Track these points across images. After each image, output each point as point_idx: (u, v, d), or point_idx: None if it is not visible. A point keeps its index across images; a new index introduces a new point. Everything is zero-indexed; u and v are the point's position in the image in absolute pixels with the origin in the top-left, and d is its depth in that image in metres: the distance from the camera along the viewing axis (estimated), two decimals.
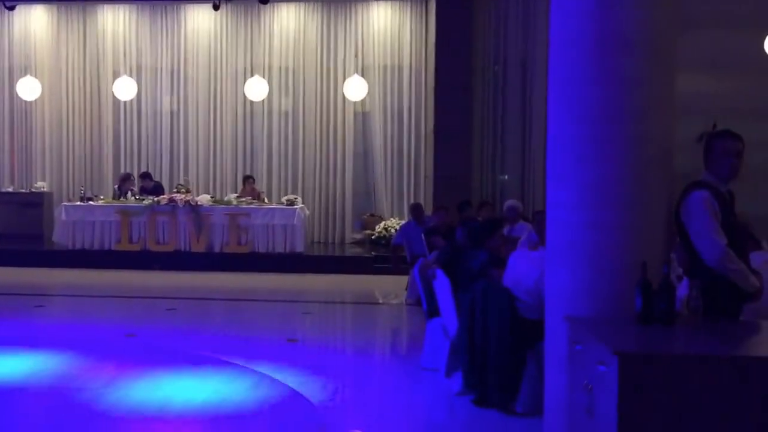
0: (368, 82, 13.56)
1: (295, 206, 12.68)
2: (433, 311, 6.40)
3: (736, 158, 3.92)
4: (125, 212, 12.54)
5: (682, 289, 4.16)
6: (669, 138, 4.11)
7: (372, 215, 14.12)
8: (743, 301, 3.91)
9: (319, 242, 14.30)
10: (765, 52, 9.41)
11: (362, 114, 14.50)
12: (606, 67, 4.01)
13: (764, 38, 9.39)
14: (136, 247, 12.50)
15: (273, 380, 6.00)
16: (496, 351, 5.27)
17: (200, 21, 14.53)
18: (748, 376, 3.10)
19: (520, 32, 11.94)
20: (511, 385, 5.18)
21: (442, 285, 5.93)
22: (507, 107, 12.36)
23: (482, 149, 12.92)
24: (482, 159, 12.93)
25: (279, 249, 12.42)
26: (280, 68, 14.43)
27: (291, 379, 6.01)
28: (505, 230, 7.35)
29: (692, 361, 3.19)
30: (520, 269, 5.43)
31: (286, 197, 13.14)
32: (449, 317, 5.88)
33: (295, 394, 5.63)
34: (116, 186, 13.55)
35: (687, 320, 3.72)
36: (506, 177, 12.48)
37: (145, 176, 13.64)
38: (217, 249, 12.47)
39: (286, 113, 14.50)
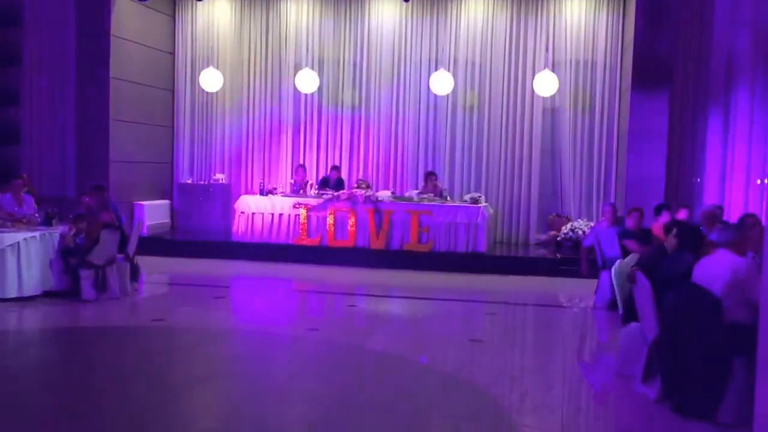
0: (558, 78, 13.74)
1: (479, 204, 13.05)
2: (630, 316, 6.61)
3: None
4: (304, 206, 13.43)
5: None
6: None
7: (558, 215, 14.28)
8: None
9: (502, 242, 14.61)
10: None
11: (551, 110, 14.68)
12: None
13: None
14: (314, 242, 13.35)
15: (459, 381, 6.46)
16: (700, 357, 5.45)
17: (385, 13, 15.19)
18: None
19: (727, 21, 11.74)
20: (716, 394, 5.34)
21: (643, 289, 6.13)
22: (708, 106, 12.20)
23: (679, 150, 12.78)
24: (678, 160, 12.79)
25: (461, 248, 12.83)
26: (467, 62, 14.83)
27: (478, 380, 6.43)
28: (713, 236, 7.38)
29: None
30: (714, 271, 5.60)
31: (469, 195, 13.50)
32: (649, 322, 6.08)
33: (483, 396, 6.05)
34: (292, 180, 14.51)
35: None
36: (698, 180, 12.32)
37: (335, 169, 14.49)
38: (396, 246, 13.06)
39: (471, 108, 14.88)
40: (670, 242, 6.61)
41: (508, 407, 5.75)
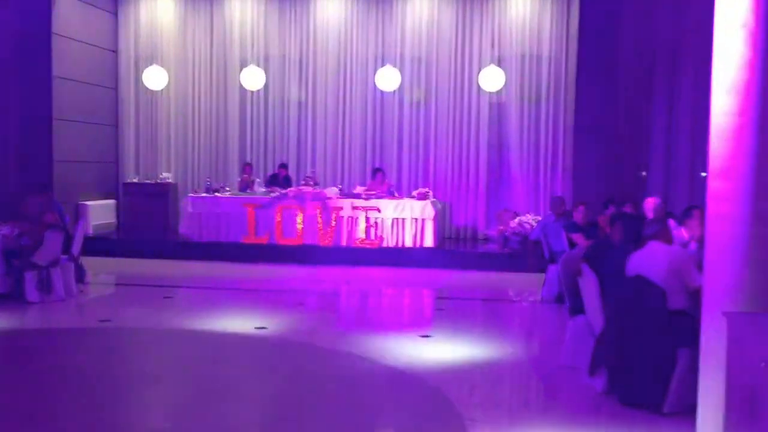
0: (505, 72, 13.81)
1: (427, 200, 13.08)
2: (576, 308, 6.65)
3: None
4: (251, 204, 13.29)
5: None
6: None
7: (506, 210, 14.35)
8: None
9: (451, 237, 14.66)
10: None
11: (498, 105, 14.74)
12: None
13: None
14: (262, 240, 13.23)
15: (409, 375, 6.43)
16: (645, 348, 5.50)
17: (331, 9, 15.10)
18: None
19: (670, 18, 11.91)
20: (661, 384, 5.40)
21: (589, 281, 6.17)
22: (653, 99, 12.38)
23: (624, 143, 12.94)
24: (624, 154, 12.95)
25: (410, 243, 12.87)
26: (413, 58, 14.83)
27: (426, 375, 6.41)
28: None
29: None
30: (649, 262, 5.67)
31: (417, 190, 13.53)
32: (594, 314, 6.12)
33: (432, 391, 6.04)
34: (239, 178, 14.37)
35: None
36: (644, 174, 12.50)
37: (282, 166, 14.38)
38: (345, 243, 13.03)
39: (418, 104, 14.88)
40: (615, 235, 6.66)
41: (456, 401, 5.73)
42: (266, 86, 14.99)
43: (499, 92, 14.40)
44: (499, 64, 14.08)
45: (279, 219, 13.12)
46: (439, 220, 13.71)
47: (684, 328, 5.30)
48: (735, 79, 4.34)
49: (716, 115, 4.48)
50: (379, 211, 12.92)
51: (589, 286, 6.16)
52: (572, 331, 6.69)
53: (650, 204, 9.10)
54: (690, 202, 9.70)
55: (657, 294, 5.52)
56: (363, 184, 14.26)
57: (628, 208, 9.63)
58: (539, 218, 12.65)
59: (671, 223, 7.67)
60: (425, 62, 14.86)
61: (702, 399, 4.62)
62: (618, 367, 5.74)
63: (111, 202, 15.30)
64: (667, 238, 5.97)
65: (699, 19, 11.34)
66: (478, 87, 14.24)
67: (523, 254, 11.78)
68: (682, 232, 7.55)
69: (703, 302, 4.58)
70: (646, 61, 12.62)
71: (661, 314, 5.48)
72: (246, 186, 14.00)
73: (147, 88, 15.12)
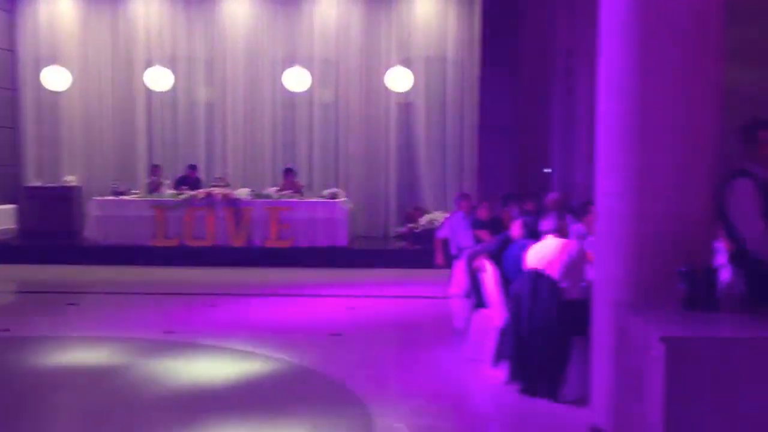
0: (412, 73, 13.99)
1: (338, 199, 13.16)
2: (479, 302, 6.84)
3: None
4: (160, 207, 13.11)
5: (726, 275, 4.54)
6: (716, 127, 4.50)
7: (417, 208, 14.56)
8: None
9: (363, 236, 14.77)
10: None
11: (405, 105, 14.93)
12: (655, 56, 4.41)
13: None
14: (172, 243, 13.08)
15: (316, 374, 6.51)
16: (542, 339, 5.71)
17: (238, 9, 15.03)
18: None
19: (566, 21, 12.30)
20: (558, 372, 5.61)
21: (490, 276, 6.36)
22: (552, 99, 12.77)
23: (528, 141, 13.31)
24: (527, 151, 13.32)
25: (321, 243, 12.92)
26: (322, 59, 14.89)
27: (335, 372, 6.49)
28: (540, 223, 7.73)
29: (737, 345, 3.55)
30: (547, 255, 5.90)
31: (328, 190, 13.61)
32: (496, 308, 6.31)
33: (339, 388, 6.13)
34: (147, 180, 14.17)
35: (730, 305, 4.11)
36: (550, 170, 12.88)
37: (191, 168, 14.22)
38: (257, 244, 12.98)
39: (328, 104, 14.97)
40: (515, 231, 6.87)
41: (364, 397, 5.83)
42: (174, 87, 14.79)
43: (407, 93, 14.59)
44: (406, 65, 14.27)
45: (189, 221, 12.99)
46: (350, 219, 13.80)
47: (578, 318, 5.52)
48: (619, 80, 4.56)
49: (603, 114, 4.70)
50: (290, 211, 12.93)
51: (490, 280, 6.34)
52: (476, 325, 6.87)
53: (551, 199, 9.38)
54: (588, 198, 10.04)
55: (551, 286, 5.73)
56: (274, 184, 14.22)
57: (529, 204, 9.88)
58: (447, 215, 12.86)
59: (569, 218, 7.94)
60: (334, 63, 14.95)
61: (594, 384, 4.84)
62: (519, 358, 5.94)
63: (10, 207, 14.81)
64: (563, 232, 6.20)
65: (593, 22, 11.75)
66: (387, 88, 14.39)
67: (432, 251, 11.96)
68: (579, 227, 7.82)
69: (594, 293, 4.79)
70: (546, 61, 12.99)
71: (556, 305, 5.70)
72: (154, 188, 13.80)
73: (48, 90, 14.71)
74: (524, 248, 6.61)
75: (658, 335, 3.57)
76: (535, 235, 6.68)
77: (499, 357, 6.27)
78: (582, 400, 5.34)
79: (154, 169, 14.22)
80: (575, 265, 5.83)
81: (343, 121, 14.89)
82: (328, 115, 14.97)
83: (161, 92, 14.87)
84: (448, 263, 10.40)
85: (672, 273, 4.13)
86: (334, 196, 13.26)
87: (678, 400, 3.49)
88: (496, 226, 9.63)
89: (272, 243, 12.93)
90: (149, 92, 14.95)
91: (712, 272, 4.07)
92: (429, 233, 13.38)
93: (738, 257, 4.32)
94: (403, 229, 14.39)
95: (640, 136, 4.45)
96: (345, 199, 13.53)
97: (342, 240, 12.98)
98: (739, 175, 4.31)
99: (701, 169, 4.44)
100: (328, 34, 14.89)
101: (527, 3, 13.19)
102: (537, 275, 5.88)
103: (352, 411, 5.60)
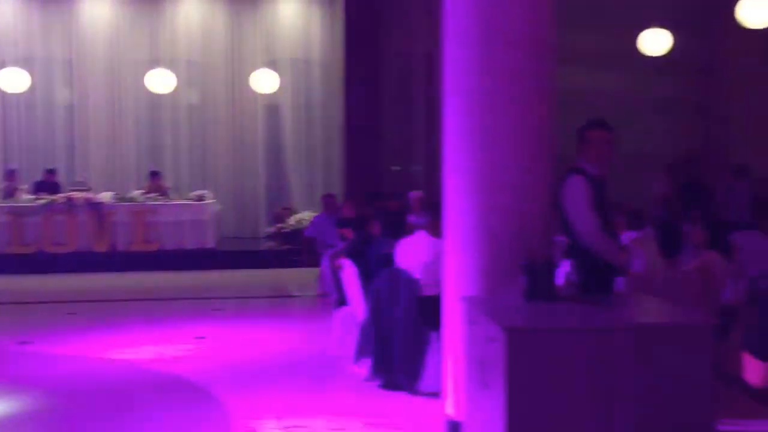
0: (279, 75, 13.95)
1: (205, 201, 13.00)
2: (341, 300, 6.93)
3: (607, 147, 4.59)
4: (16, 213, 12.59)
5: (565, 268, 4.79)
6: (551, 127, 4.74)
7: (285, 209, 14.55)
8: (615, 275, 4.58)
9: (232, 237, 14.62)
10: (639, 51, 10.60)
11: (272, 107, 14.88)
12: (490, 58, 4.60)
13: (638, 37, 10.59)
14: (30, 250, 12.57)
15: (179, 377, 6.44)
16: (401, 334, 5.85)
17: (97, 10, 14.58)
18: (620, 344, 3.69)
19: (425, 25, 12.60)
20: (416, 367, 5.76)
21: (350, 274, 6.46)
22: (414, 100, 13.07)
23: (392, 141, 13.56)
24: (392, 151, 13.57)
25: (189, 246, 12.74)
26: (187, 60, 14.65)
27: (198, 376, 6.44)
28: (412, 219, 7.91)
29: (570, 333, 3.76)
30: (413, 250, 6.06)
31: (195, 192, 13.41)
32: (357, 305, 6.42)
33: (202, 390, 6.08)
34: (3, 186, 13.56)
35: (567, 296, 4.34)
36: (399, 167, 13.21)
37: (50, 172, 13.70)
38: (121, 248, 12.66)
39: (194, 106, 14.75)
40: (375, 229, 7.00)
41: (225, 400, 5.81)
42: (31, 88, 14.19)
43: (274, 94, 14.53)
44: (272, 67, 14.22)
45: (48, 227, 12.53)
46: (219, 221, 13.66)
47: (435, 312, 5.68)
48: (461, 83, 4.73)
49: (448, 115, 4.86)
50: (155, 214, 12.68)
51: (350, 278, 6.44)
52: (338, 322, 6.96)
53: (414, 197, 9.60)
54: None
55: (410, 283, 5.87)
56: (139, 187, 13.91)
57: (392, 202, 10.05)
58: (315, 215, 12.94)
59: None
60: (200, 65, 14.73)
61: (447, 376, 5.00)
62: (379, 354, 6.05)
63: None
64: (435, 230, 6.32)
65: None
66: (253, 89, 14.30)
67: (301, 251, 12.03)
68: None
69: (444, 288, 4.95)
70: (406, 63, 13.27)
71: (415, 301, 5.84)
72: (9, 194, 13.22)
73: None
74: (384, 246, 6.75)
75: (500, 326, 3.73)
76: (396, 233, 6.81)
77: (361, 353, 6.36)
78: (439, 393, 5.49)
79: (9, 174, 13.63)
80: (438, 261, 5.95)
81: (210, 122, 14.70)
82: (194, 117, 14.73)
83: (16, 94, 14.25)
84: (316, 262, 10.49)
85: (515, 267, 4.32)
86: (201, 198, 13.10)
87: (519, 387, 3.63)
88: (360, 224, 9.76)
89: (137, 247, 12.64)
90: (3, 94, 14.30)
91: (550, 265, 4.28)
92: (298, 233, 13.44)
93: (573, 250, 4.57)
94: (272, 230, 14.37)
95: (481, 136, 4.62)
96: (213, 200, 13.38)
97: (210, 242, 12.83)
98: (573, 173, 4.56)
99: (540, 167, 4.66)
100: (192, 35, 14.67)
101: (388, 7, 13.41)
102: (396, 272, 6.01)
103: (214, 412, 5.57)
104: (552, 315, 4.06)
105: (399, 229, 6.89)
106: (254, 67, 14.40)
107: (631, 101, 12.03)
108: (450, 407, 4.97)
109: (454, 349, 4.84)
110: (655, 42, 10.53)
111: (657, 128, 12.63)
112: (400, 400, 5.75)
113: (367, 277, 6.34)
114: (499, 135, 4.60)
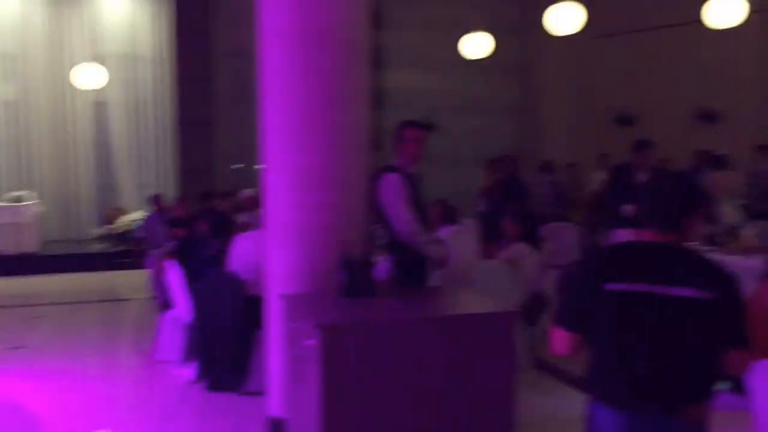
0: (107, 71, 13.41)
1: (24, 203, 12.33)
2: (166, 303, 6.77)
3: (420, 144, 4.73)
4: None
5: (385, 263, 4.90)
6: (365, 126, 4.82)
7: (116, 209, 14.03)
8: (431, 269, 4.74)
9: (57, 240, 13.93)
10: (460, 54, 11.09)
11: (100, 104, 14.27)
12: (306, 59, 4.63)
13: (459, 40, 11.05)
14: None
15: None
16: (227, 335, 5.79)
17: None
18: (427, 335, 3.80)
19: (254, 22, 12.55)
20: (242, 366, 5.73)
21: (175, 276, 6.32)
22: (246, 98, 12.94)
23: (225, 139, 13.37)
24: (225, 149, 13.39)
25: (7, 251, 12.05)
26: (2, 53, 13.79)
27: (15, 387, 6.12)
28: (244, 218, 7.86)
29: (384, 326, 3.82)
30: (245, 249, 6.01)
31: (12, 194, 12.68)
32: (183, 307, 6.29)
33: (20, 405, 5.79)
34: None
35: (384, 290, 4.44)
36: (243, 166, 13.06)
37: None
38: None
39: (12, 102, 13.89)
40: (201, 229, 6.89)
41: (40, 413, 5.56)
42: None
43: (102, 91, 13.95)
44: (98, 62, 13.64)
45: None
46: (41, 223, 12.99)
47: (259, 311, 5.66)
48: (278, 83, 4.75)
49: (267, 115, 4.86)
50: None
51: (174, 280, 6.31)
52: (163, 326, 6.80)
53: (245, 196, 9.52)
54: None
55: (235, 283, 5.82)
56: None
57: (218, 203, 9.89)
58: (147, 215, 12.59)
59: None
60: (18, 58, 13.89)
61: (270, 375, 4.99)
62: (206, 356, 5.97)
63: None
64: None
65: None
66: (77, 85, 13.68)
67: (132, 252, 11.67)
68: None
69: (266, 286, 4.94)
70: (240, 60, 13.11)
71: (241, 302, 5.80)
72: None
73: None
74: (210, 246, 6.67)
75: (314, 323, 3.76)
76: (223, 233, 6.75)
77: (186, 356, 6.25)
78: (264, 392, 5.48)
79: None
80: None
81: (31, 119, 13.91)
82: (12, 114, 13.90)
83: None
84: (147, 263, 10.19)
85: (334, 264, 4.37)
86: (19, 199, 12.39)
87: (332, 382, 3.69)
88: (192, 224, 9.58)
89: None
90: None
91: (368, 261, 4.36)
92: (129, 234, 13.03)
93: (390, 245, 4.68)
94: (101, 231, 13.83)
95: (299, 135, 4.65)
96: (34, 201, 12.70)
97: (31, 245, 12.18)
98: (388, 171, 4.66)
99: (356, 165, 4.73)
100: (9, 27, 13.80)
101: (218, 2, 13.21)
102: (221, 273, 5.95)
103: (37, 426, 5.32)
104: (366, 310, 4.13)
105: (225, 229, 6.84)
106: (79, 62, 13.78)
107: (454, 101, 12.52)
108: (272, 406, 4.97)
109: (275, 347, 4.85)
110: (476, 45, 10.90)
111: (478, 126, 13.22)
112: (224, 401, 5.69)
113: (194, 278, 6.22)
114: (316, 134, 4.64)
